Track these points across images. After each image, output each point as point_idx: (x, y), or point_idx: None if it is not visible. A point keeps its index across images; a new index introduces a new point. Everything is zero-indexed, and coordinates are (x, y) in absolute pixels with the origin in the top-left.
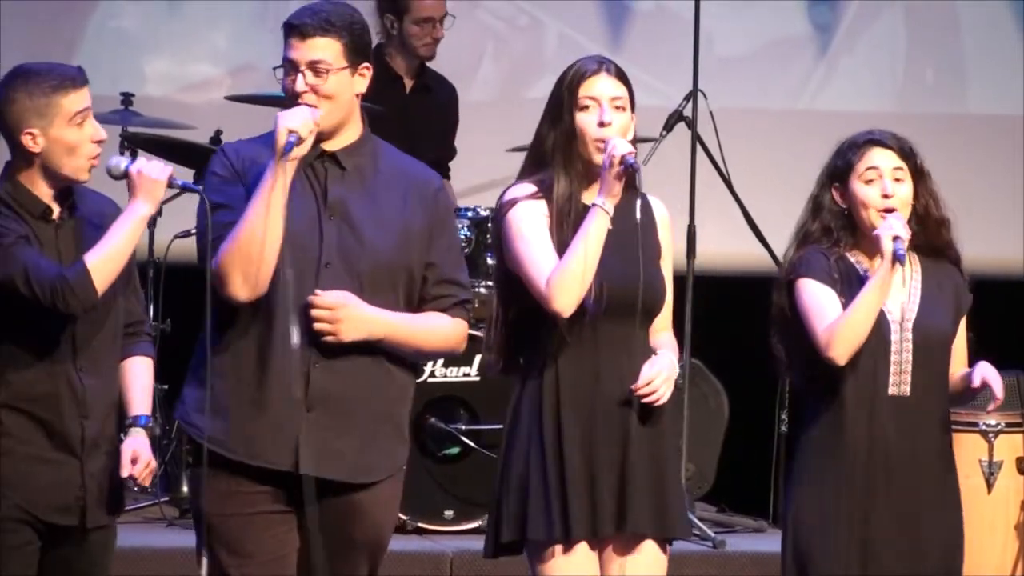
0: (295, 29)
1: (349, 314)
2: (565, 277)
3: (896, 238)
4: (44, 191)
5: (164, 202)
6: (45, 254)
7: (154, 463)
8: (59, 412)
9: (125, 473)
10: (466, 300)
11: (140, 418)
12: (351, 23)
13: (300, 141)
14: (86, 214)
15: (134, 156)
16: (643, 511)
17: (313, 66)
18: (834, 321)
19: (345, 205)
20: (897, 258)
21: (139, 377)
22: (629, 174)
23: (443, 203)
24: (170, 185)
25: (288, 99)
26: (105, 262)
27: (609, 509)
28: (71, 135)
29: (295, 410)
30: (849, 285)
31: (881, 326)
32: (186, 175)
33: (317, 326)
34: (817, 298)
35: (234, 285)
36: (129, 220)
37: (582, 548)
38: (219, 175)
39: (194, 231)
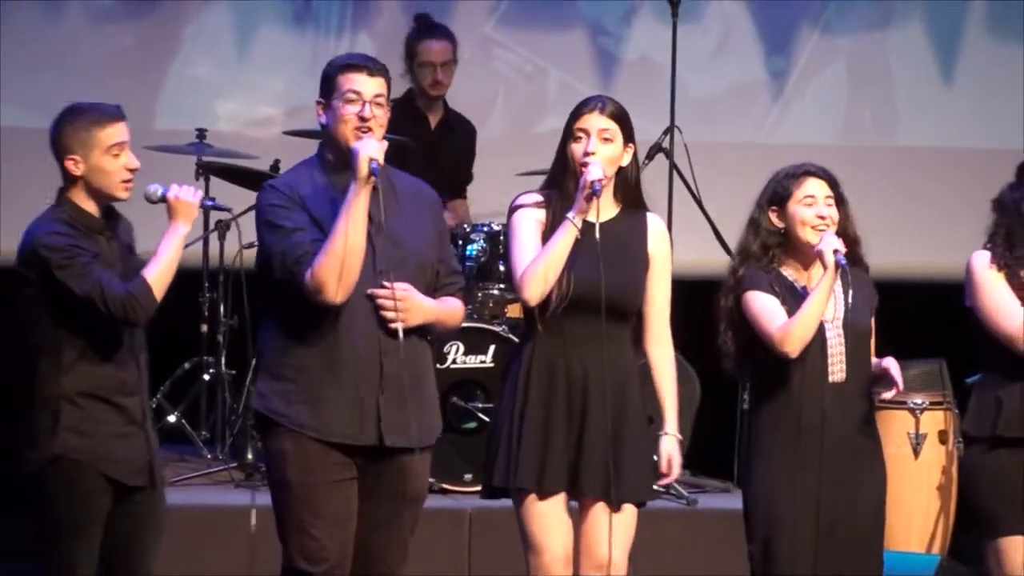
0: (362, 67)
1: (413, 303)
2: (530, 271)
3: (835, 251)
4: (93, 209)
5: (234, 218)
6: (106, 268)
7: None
8: (128, 394)
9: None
10: (463, 287)
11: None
12: (385, 69)
13: (380, 167)
14: (119, 233)
15: (207, 180)
16: (593, 477)
17: (376, 99)
18: (787, 322)
19: (386, 221)
20: (841, 266)
21: None
22: (590, 195)
23: (440, 211)
24: (201, 206)
25: (358, 125)
26: (161, 277)
27: (560, 470)
28: (107, 163)
29: (372, 392)
30: (791, 295)
31: (820, 325)
32: (250, 196)
33: (387, 313)
34: (765, 305)
35: (330, 291)
36: (174, 239)
37: (552, 498)
38: (280, 206)
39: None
